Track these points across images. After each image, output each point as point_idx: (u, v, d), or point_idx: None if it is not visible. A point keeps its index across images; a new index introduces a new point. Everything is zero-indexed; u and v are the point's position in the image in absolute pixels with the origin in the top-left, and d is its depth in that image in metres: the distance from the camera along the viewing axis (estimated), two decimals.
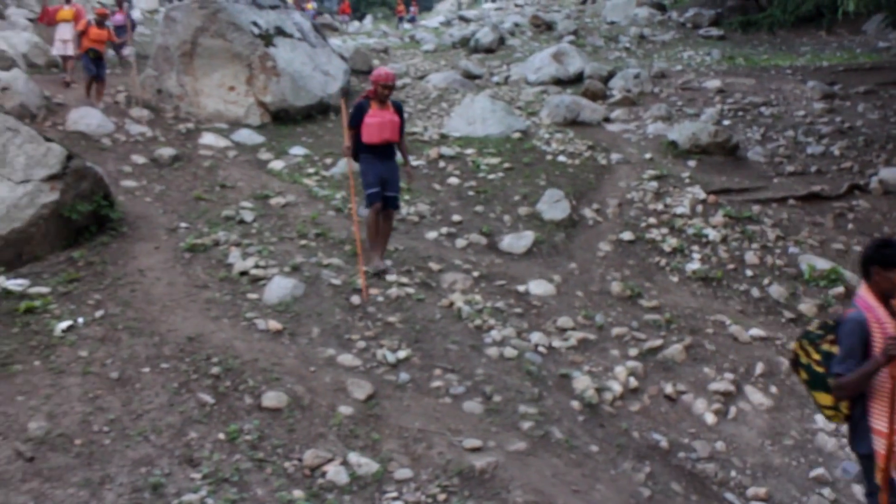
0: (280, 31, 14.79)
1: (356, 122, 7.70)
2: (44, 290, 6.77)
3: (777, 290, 8.55)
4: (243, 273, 7.49)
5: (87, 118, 11.70)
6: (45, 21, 15.77)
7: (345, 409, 5.43)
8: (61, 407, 5.04)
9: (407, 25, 36.29)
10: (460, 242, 9.11)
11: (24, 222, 7.50)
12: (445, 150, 11.98)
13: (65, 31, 14.78)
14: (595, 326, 7.43)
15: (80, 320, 6.27)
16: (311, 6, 31.99)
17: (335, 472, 4.76)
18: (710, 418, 6.12)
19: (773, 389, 6.57)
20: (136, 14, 26.33)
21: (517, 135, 12.97)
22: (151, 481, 4.47)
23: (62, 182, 7.82)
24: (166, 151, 11.07)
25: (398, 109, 7.91)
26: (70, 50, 14.55)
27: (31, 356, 5.64)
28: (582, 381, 6.30)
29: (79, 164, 8.11)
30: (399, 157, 8.14)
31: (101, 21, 13.94)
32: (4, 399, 5.04)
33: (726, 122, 14.25)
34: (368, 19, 45.55)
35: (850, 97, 15.58)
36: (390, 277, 7.70)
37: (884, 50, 21.37)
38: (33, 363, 5.55)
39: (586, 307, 7.88)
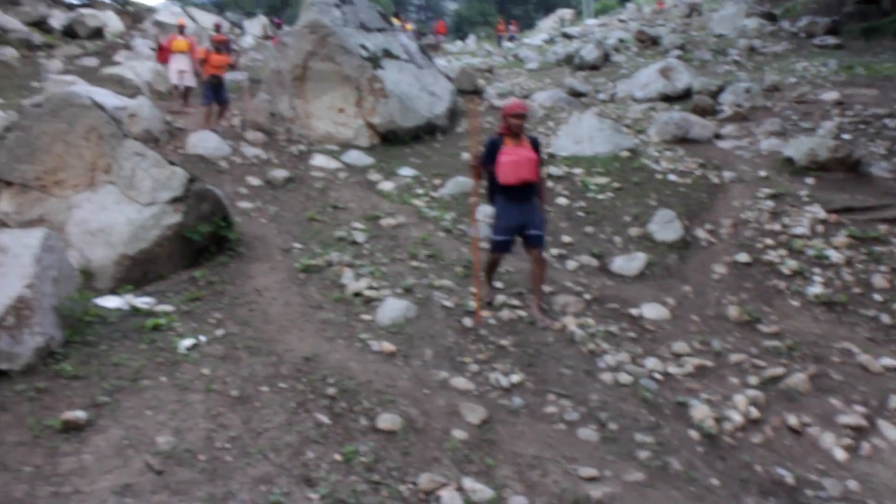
0: (387, 54, 15.05)
1: (489, 161, 7.20)
2: (168, 308, 7.03)
3: None
4: (356, 294, 7.60)
5: (205, 142, 12.17)
6: (162, 59, 16.19)
7: (459, 433, 5.42)
8: (186, 423, 5.19)
9: (508, 44, 36.40)
10: (571, 264, 9.02)
11: (150, 243, 7.82)
12: (553, 170, 11.91)
13: (181, 62, 15.37)
14: (712, 352, 7.20)
15: (202, 338, 6.47)
16: (409, 27, 32.43)
17: (450, 498, 4.74)
18: (840, 454, 5.80)
19: None
20: (248, 40, 27.35)
21: (626, 153, 12.77)
22: (271, 500, 4.54)
23: (185, 204, 8.12)
24: (280, 173, 11.38)
25: (535, 145, 7.26)
26: (186, 80, 15.20)
27: (157, 372, 5.84)
28: (700, 410, 6.10)
29: (200, 186, 8.41)
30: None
31: (219, 47, 14.38)
32: (135, 413, 5.23)
33: (846, 136, 13.64)
34: (471, 39, 45.95)
35: None
36: (500, 298, 7.67)
37: None
38: (160, 379, 5.74)
39: (702, 332, 7.65)
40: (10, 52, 21.08)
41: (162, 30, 25.25)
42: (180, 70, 15.38)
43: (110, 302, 6.95)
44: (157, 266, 7.90)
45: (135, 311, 6.84)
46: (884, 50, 22.15)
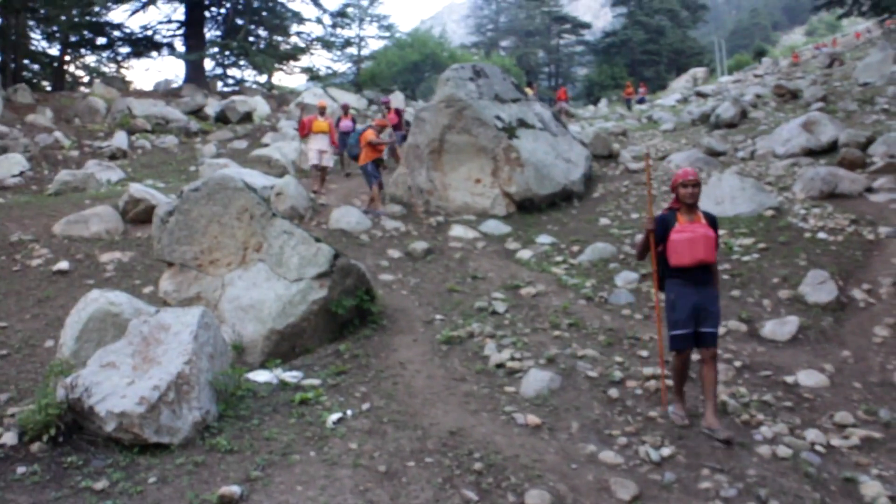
0: (522, 123, 15.22)
1: (660, 239, 6.51)
2: (315, 381, 7.19)
3: None
4: (499, 365, 7.57)
5: (347, 216, 12.58)
6: (302, 133, 16.48)
7: None
8: (336, 498, 5.23)
9: (639, 106, 36.13)
10: (719, 330, 8.67)
11: (297, 318, 8.09)
12: None
13: (321, 142, 15.61)
14: (880, 423, 6.70)
15: (349, 412, 6.56)
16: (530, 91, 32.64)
17: None
18: None
19: None
20: (407, 112, 28.53)
21: (770, 212, 12.31)
22: None
23: (330, 279, 8.37)
24: (419, 245, 11.59)
25: (712, 222, 6.50)
26: (325, 160, 15.49)
27: (307, 447, 5.95)
28: (871, 487, 5.64)
29: (344, 262, 8.65)
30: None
31: (381, 131, 14.50)
32: (287, 488, 5.32)
33: None
34: (603, 103, 45.96)
35: None
36: (647, 370, 7.43)
37: None
38: (309, 454, 5.84)
39: (867, 400, 7.15)
40: (170, 140, 22.87)
41: (305, 111, 26.55)
42: (320, 150, 15.62)
43: (261, 376, 7.19)
44: (303, 340, 8.14)
45: (283, 385, 7.05)
46: None
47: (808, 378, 7.50)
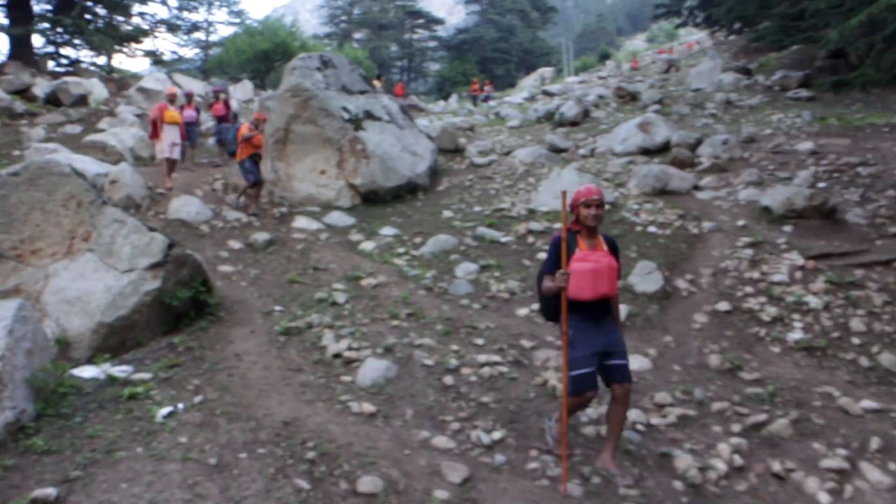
0: (369, 115, 15.23)
1: (553, 266, 5.51)
2: (146, 376, 6.95)
3: (888, 359, 8.09)
4: (337, 355, 7.56)
5: (187, 206, 12.20)
6: (155, 135, 14.68)
7: (441, 494, 5.33)
8: (162, 494, 5.09)
9: (486, 104, 36.80)
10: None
11: (128, 310, 7.77)
12: (534, 226, 11.97)
13: (175, 134, 14.55)
14: (694, 402, 7.16)
15: (181, 406, 6.39)
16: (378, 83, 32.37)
17: None
18: (825, 498, 5.74)
19: (893, 466, 6.16)
20: (233, 104, 27.63)
21: (606, 207, 12.86)
22: None
23: (164, 270, 8.10)
24: (261, 236, 11.40)
25: (613, 248, 5.68)
26: (176, 153, 14.52)
27: (133, 443, 5.75)
28: (683, 460, 6.04)
29: (179, 251, 8.40)
30: None
31: (258, 124, 13.51)
32: (109, 486, 5.13)
33: (822, 185, 13.81)
34: (454, 98, 46.55)
35: None
36: (482, 357, 7.63)
37: None
38: (136, 450, 5.65)
39: (684, 382, 7.62)
40: None
41: (147, 97, 25.45)
42: (173, 143, 14.54)
43: (86, 372, 6.87)
44: (135, 333, 7.84)
45: (111, 380, 6.76)
46: (854, 102, 22.62)
47: (634, 362, 7.85)
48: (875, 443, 6.37)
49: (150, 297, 7.92)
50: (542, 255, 10.85)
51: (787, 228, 11.68)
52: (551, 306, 5.73)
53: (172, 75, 32.94)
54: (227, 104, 18.84)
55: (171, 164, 14.66)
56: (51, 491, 4.86)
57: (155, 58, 39.02)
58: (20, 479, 5.10)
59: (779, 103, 23.95)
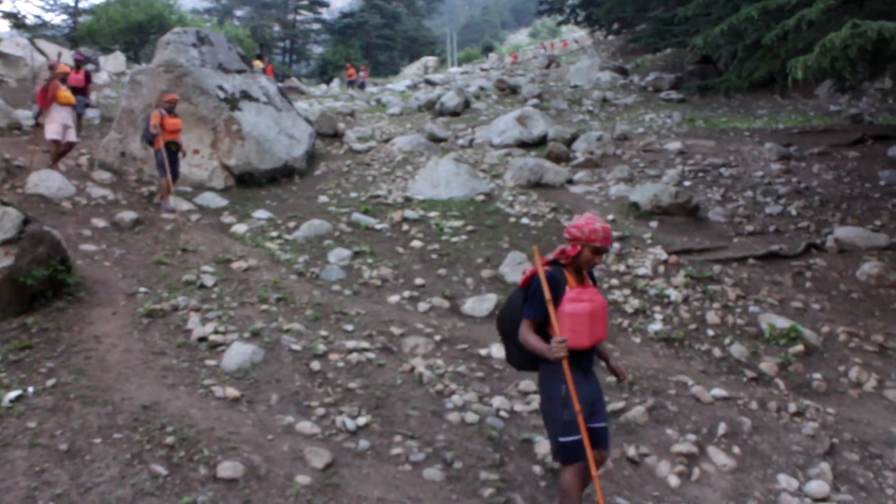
0: (246, 95, 14.90)
1: (537, 308, 4.54)
2: None
3: (738, 350, 8.58)
4: (202, 339, 7.38)
5: (47, 181, 11.59)
6: (45, 105, 12.76)
7: (302, 479, 5.31)
8: (4, 482, 4.86)
9: (358, 90, 36.48)
10: (422, 306, 9.07)
11: None
12: (409, 213, 12.02)
13: (67, 116, 12.86)
14: None
15: (31, 390, 6.11)
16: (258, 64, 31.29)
17: None
18: (674, 481, 6.05)
19: (736, 450, 6.53)
20: (103, 77, 26.38)
21: (481, 197, 13.06)
22: None
23: (17, 247, 7.69)
24: (127, 215, 10.99)
25: (593, 278, 4.90)
26: (70, 136, 12.90)
27: None
28: (544, 446, 6.21)
29: (35, 228, 8.00)
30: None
31: (172, 108, 12.13)
32: None
33: (687, 184, 14.48)
34: (336, 82, 46.08)
35: (805, 158, 15.97)
36: (350, 343, 7.62)
37: (835, 113, 22.08)
38: None
39: None
40: None
41: (6, 63, 23.98)
42: (66, 125, 12.78)
43: None
44: None
45: None
46: (719, 105, 23.83)
47: (500, 351, 8.03)
48: (722, 428, 6.74)
49: (0, 274, 7.51)
50: (417, 243, 10.89)
51: (653, 224, 12.18)
52: (527, 356, 4.76)
53: (35, 41, 31.14)
54: (87, 75, 16.93)
55: (67, 148, 13.09)
56: None
57: (15, 20, 36.77)
58: None
59: (652, 103, 24.93)
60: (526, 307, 4.61)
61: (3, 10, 35.67)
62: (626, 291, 9.75)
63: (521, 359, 4.93)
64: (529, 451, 6.21)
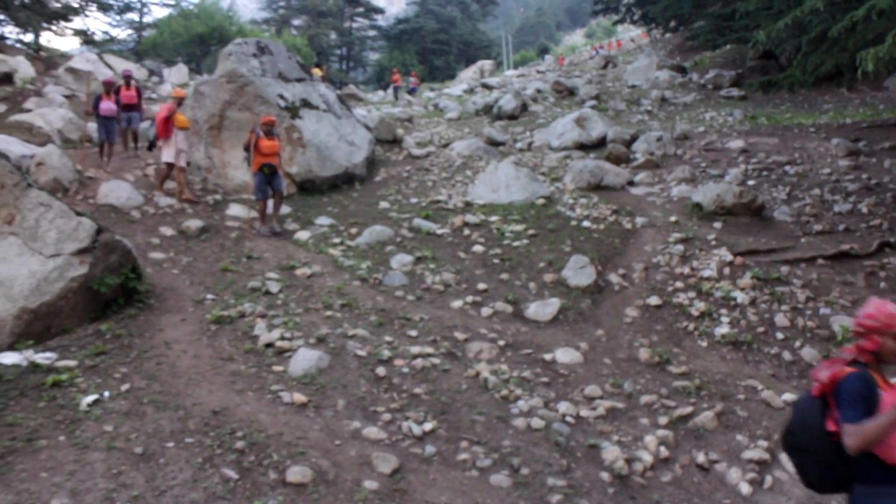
0: (306, 104, 15.08)
1: (864, 411, 3.48)
2: (71, 363, 6.79)
3: (809, 353, 8.37)
4: (269, 345, 7.50)
5: (117, 191, 11.90)
6: (166, 134, 12.72)
7: (370, 484, 5.35)
8: (85, 483, 4.99)
9: (408, 97, 36.45)
10: (486, 311, 9.07)
11: (53, 296, 7.57)
12: (470, 218, 12.03)
13: (183, 141, 12.90)
14: (623, 394, 7.31)
15: (106, 394, 6.27)
16: (318, 72, 31.92)
17: None
18: (746, 488, 5.93)
19: None
20: (167, 88, 26.92)
21: (541, 201, 13.00)
22: None
23: (91, 255, 7.91)
24: (194, 223, 11.22)
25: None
26: (182, 161, 12.89)
27: (56, 431, 5.62)
28: (611, 452, 6.16)
29: (108, 237, 8.21)
30: None
31: (269, 130, 11.90)
32: (29, 476, 5.02)
33: (751, 183, 14.19)
34: (392, 89, 46.28)
35: (875, 153, 15.49)
36: (415, 349, 7.65)
37: None
38: (58, 438, 5.53)
39: (614, 375, 7.76)
40: None
41: (76, 78, 24.69)
42: (181, 150, 12.81)
43: (8, 358, 6.68)
44: (60, 320, 7.64)
45: (34, 367, 6.59)
46: (782, 101, 23.27)
47: (565, 355, 8.02)
48: None
49: (76, 283, 7.73)
50: (478, 248, 10.91)
51: (717, 225, 11.97)
52: (837, 472, 3.67)
53: (104, 56, 32.02)
54: (138, 91, 16.68)
55: (181, 172, 12.95)
56: None
57: (85, 37, 37.75)
58: None
59: (712, 101, 24.52)
60: (842, 412, 3.53)
61: (74, 27, 36.60)
62: (692, 294, 9.60)
63: (824, 476, 3.77)
64: (596, 457, 6.16)
